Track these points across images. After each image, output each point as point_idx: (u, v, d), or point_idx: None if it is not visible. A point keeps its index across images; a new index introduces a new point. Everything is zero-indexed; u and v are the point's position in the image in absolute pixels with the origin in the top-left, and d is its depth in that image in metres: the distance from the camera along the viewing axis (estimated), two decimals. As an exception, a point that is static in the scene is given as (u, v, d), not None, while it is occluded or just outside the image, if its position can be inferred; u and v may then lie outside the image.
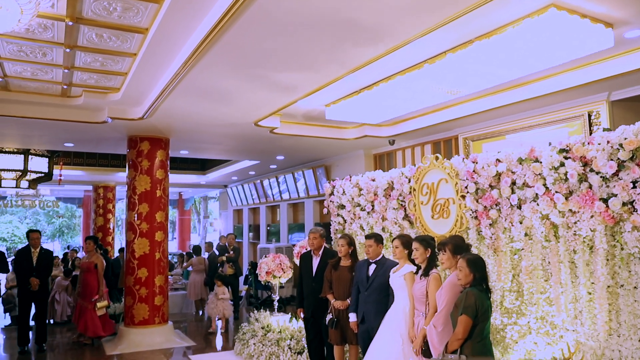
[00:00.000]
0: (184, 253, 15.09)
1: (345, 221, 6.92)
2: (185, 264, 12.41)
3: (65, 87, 6.04)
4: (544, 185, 4.24)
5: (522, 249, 4.56)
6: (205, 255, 11.59)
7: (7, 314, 10.67)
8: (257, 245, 13.97)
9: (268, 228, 14.24)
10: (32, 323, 8.22)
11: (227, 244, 10.72)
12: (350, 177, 6.87)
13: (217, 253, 11.40)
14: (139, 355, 7.30)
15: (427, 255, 4.38)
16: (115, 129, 7.46)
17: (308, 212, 11.95)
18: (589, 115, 6.11)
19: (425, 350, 4.19)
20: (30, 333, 8.01)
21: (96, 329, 7.79)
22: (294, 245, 12.20)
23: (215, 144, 8.90)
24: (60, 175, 11.71)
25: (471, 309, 3.43)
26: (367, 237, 5.19)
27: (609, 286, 3.86)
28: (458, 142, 7.87)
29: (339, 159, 10.52)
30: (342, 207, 6.93)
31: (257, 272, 7.41)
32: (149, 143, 7.88)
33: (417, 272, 4.54)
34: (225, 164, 13.21)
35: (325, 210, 7.34)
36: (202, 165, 14.62)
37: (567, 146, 4.08)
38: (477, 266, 3.60)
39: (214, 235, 20.51)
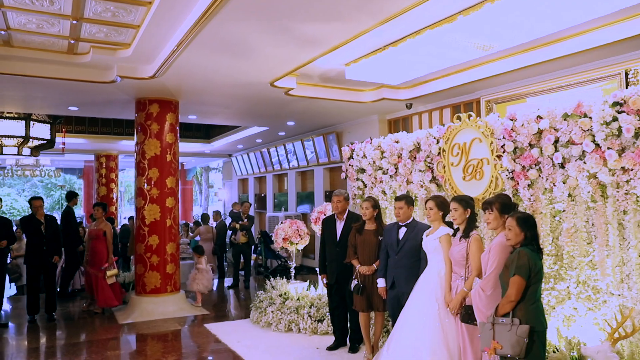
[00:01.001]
0: (188, 223, 14.89)
1: (365, 185, 6.67)
2: (191, 234, 12.21)
3: (72, 42, 5.68)
4: (593, 141, 3.98)
5: (564, 211, 4.33)
6: (213, 224, 11.38)
7: (13, 283, 10.48)
8: (265, 214, 13.76)
9: (275, 200, 14.00)
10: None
11: (241, 211, 10.45)
12: (371, 139, 6.60)
13: (226, 221, 11.20)
14: (152, 323, 7.12)
15: (467, 216, 4.14)
16: (124, 90, 7.11)
17: (318, 179, 11.70)
18: (626, 74, 5.80)
19: (465, 315, 3.98)
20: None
21: (107, 299, 7.59)
22: (303, 213, 12.05)
23: (226, 107, 8.57)
24: (64, 143, 11.36)
25: (524, 269, 3.20)
26: (397, 198, 4.94)
27: (665, 247, 3.64)
28: (480, 105, 7.57)
29: (351, 124, 10.21)
30: (362, 171, 6.67)
31: (273, 238, 7.19)
32: (159, 105, 7.55)
33: (454, 234, 4.31)
34: (231, 131, 12.88)
35: (342, 175, 7.08)
36: (206, 133, 14.28)
37: (623, 99, 3.80)
38: (529, 224, 3.36)
39: (217, 206, 20.28)
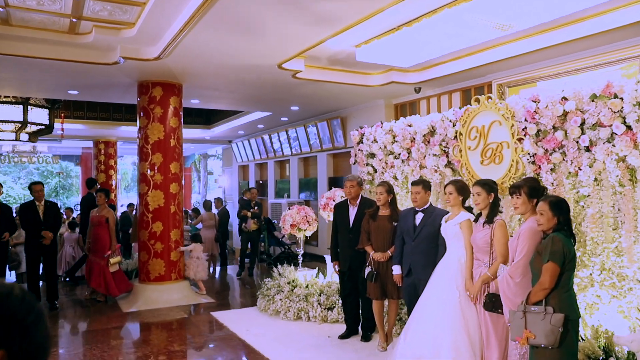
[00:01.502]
0: (187, 210, 14.70)
1: (375, 171, 6.50)
2: (190, 221, 12.04)
3: (74, 20, 5.45)
4: (624, 123, 3.82)
5: (588, 195, 4.19)
6: (215, 211, 11.21)
7: (13, 271, 10.30)
8: (266, 201, 13.59)
9: (277, 187, 13.83)
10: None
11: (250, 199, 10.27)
12: (382, 123, 6.42)
13: (226, 208, 11.03)
14: (157, 312, 6.98)
15: (490, 201, 3.99)
16: (126, 73, 6.89)
17: (321, 166, 11.52)
18: (648, 55, 5.63)
19: (488, 303, 3.85)
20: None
21: (110, 287, 7.43)
22: (306, 200, 11.89)
23: (230, 91, 8.36)
24: (62, 129, 11.11)
25: (559, 255, 3.05)
26: (414, 183, 4.78)
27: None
28: (492, 88, 7.39)
29: (357, 109, 10.02)
30: (372, 155, 6.50)
31: (280, 225, 7.02)
32: (162, 89, 7.32)
33: (475, 220, 4.16)
34: (233, 117, 12.64)
35: (352, 160, 6.91)
36: (207, 119, 14.03)
37: (658, 78, 3.65)
38: (562, 209, 3.21)
39: (216, 193, 20.09)
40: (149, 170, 7.34)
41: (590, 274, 4.20)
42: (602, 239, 4.13)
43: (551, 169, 4.40)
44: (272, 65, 6.49)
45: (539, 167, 4.48)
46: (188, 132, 13.90)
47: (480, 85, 7.67)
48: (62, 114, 11.19)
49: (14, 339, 0.96)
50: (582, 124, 4.12)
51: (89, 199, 8.94)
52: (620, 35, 5.60)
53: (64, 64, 6.36)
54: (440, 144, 5.45)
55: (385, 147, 6.24)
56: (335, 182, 10.99)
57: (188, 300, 7.49)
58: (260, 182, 14.98)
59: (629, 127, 3.78)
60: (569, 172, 4.28)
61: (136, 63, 6.34)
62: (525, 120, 4.52)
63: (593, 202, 4.15)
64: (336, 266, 5.60)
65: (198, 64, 6.54)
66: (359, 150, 6.72)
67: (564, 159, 4.29)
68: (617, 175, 3.93)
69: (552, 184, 4.37)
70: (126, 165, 26.43)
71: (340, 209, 5.60)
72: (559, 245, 3.07)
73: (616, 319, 4.04)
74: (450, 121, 5.36)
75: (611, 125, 3.88)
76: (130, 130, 12.97)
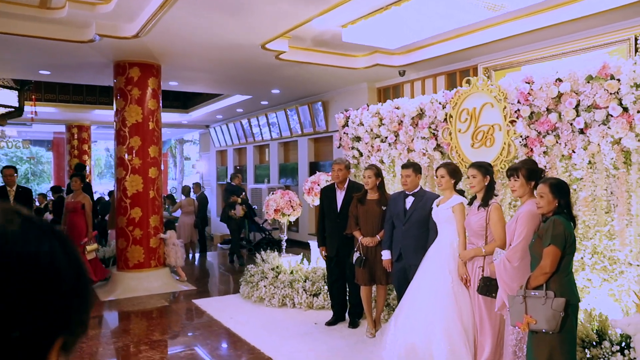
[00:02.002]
0: (165, 196, 14.38)
1: (361, 154, 6.38)
2: (169, 207, 11.75)
3: (46, -6, 5.16)
4: (620, 105, 3.76)
5: (582, 179, 4.14)
6: (193, 196, 10.96)
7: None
8: (245, 186, 13.37)
9: (256, 172, 13.62)
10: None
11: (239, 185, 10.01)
12: (368, 105, 6.29)
13: (204, 193, 10.77)
14: (136, 300, 6.76)
15: (486, 183, 3.90)
16: (102, 52, 6.58)
17: (302, 151, 11.35)
18: (636, 39, 5.59)
19: (483, 287, 3.78)
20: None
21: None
22: (286, 186, 11.72)
23: (210, 73, 8.09)
24: (35, 113, 10.66)
25: (560, 239, 2.97)
26: (405, 166, 4.67)
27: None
28: (477, 72, 7.31)
29: (339, 93, 9.85)
30: (358, 139, 6.37)
31: (264, 210, 6.86)
32: (140, 70, 7.03)
33: (470, 203, 4.08)
34: (211, 100, 12.35)
35: (336, 144, 6.77)
36: (184, 103, 13.69)
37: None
38: (562, 191, 3.13)
39: (194, 178, 19.74)
40: (126, 155, 7.07)
41: (582, 258, 4.17)
42: (594, 222, 4.10)
43: (544, 152, 4.33)
44: (256, 45, 6.27)
45: (532, 150, 4.41)
46: (165, 117, 13.41)
47: (466, 69, 7.58)
48: (33, 96, 10.74)
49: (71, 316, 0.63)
50: (577, 105, 4.05)
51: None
52: (606, 18, 5.55)
53: (35, 41, 6.02)
54: (430, 127, 5.34)
55: (371, 130, 6.12)
56: (316, 167, 10.85)
57: (168, 287, 7.29)
58: (239, 167, 14.74)
59: (625, 109, 3.72)
60: (562, 155, 4.22)
61: (112, 41, 6.04)
62: (519, 102, 4.44)
63: (586, 185, 4.10)
64: (323, 252, 5.48)
65: (178, 43, 6.28)
66: (344, 133, 6.58)
67: (557, 142, 4.23)
68: (612, 158, 3.88)
69: (545, 167, 4.31)
70: (99, 151, 25.76)
71: (327, 193, 5.46)
72: (561, 228, 2.99)
73: (607, 303, 4.03)
74: (440, 103, 5.25)
75: (607, 107, 3.82)
76: (105, 113, 12.55)
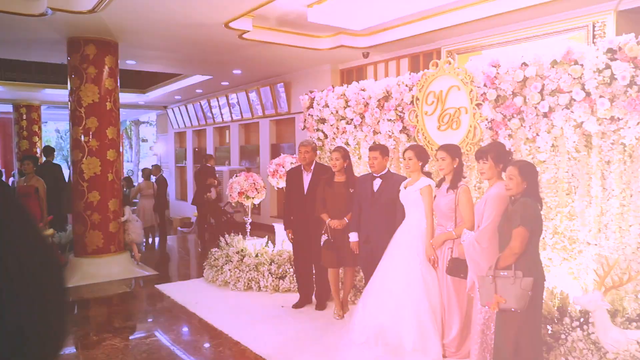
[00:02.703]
0: (123, 178, 13.97)
1: (326, 136, 6.34)
2: (127, 190, 11.40)
3: (-7, -36, 4.83)
4: (583, 89, 3.85)
5: (544, 161, 4.24)
6: (152, 179, 10.68)
7: None
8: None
9: (216, 154, 13.38)
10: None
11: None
12: (333, 87, 6.24)
13: (163, 175, 10.51)
14: (96, 287, 6.56)
15: (455, 166, 3.94)
16: (54, 27, 6.24)
17: (263, 132, 11.22)
18: (594, 26, 5.74)
19: (452, 268, 3.84)
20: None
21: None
22: (248, 168, 11.58)
23: (170, 51, 7.83)
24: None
25: (529, 220, 3.05)
26: (372, 148, 4.66)
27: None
28: (441, 55, 7.36)
29: (301, 74, 9.74)
30: (323, 121, 6.32)
31: (227, 192, 6.75)
32: (96, 47, 6.71)
33: (438, 185, 4.12)
34: (169, 80, 11.99)
35: (300, 125, 6.70)
36: (141, 83, 13.24)
37: (618, 46, 3.67)
38: (531, 174, 3.20)
39: (151, 160, 19.25)
40: (82, 136, 6.78)
41: (543, 238, 4.29)
42: (555, 204, 4.22)
43: (509, 135, 4.41)
44: (219, 23, 6.09)
45: (497, 133, 4.48)
46: (121, 97, 13.05)
47: (430, 52, 7.63)
48: (-23, 74, 10.15)
49: None
50: (542, 90, 4.13)
51: (48, 167, 8.88)
52: (566, 5, 5.68)
53: (-19, 15, 5.67)
54: (396, 109, 5.35)
55: (337, 112, 6.08)
56: (278, 149, 10.75)
57: (129, 273, 7.10)
58: (197, 149, 14.45)
59: (588, 94, 3.81)
60: (527, 138, 4.30)
61: (66, 16, 5.73)
62: (485, 85, 4.49)
63: (549, 167, 4.21)
64: (289, 234, 5.45)
65: (137, 20, 6.03)
66: (309, 115, 6.52)
67: (522, 125, 4.31)
68: (574, 142, 3.99)
69: (510, 149, 4.39)
70: (49, 133, 24.73)
71: (294, 176, 5.41)
72: (530, 210, 3.06)
73: (566, 280, 4.18)
74: (407, 85, 5.25)
75: (570, 91, 3.90)
76: (56, 93, 12.00)
